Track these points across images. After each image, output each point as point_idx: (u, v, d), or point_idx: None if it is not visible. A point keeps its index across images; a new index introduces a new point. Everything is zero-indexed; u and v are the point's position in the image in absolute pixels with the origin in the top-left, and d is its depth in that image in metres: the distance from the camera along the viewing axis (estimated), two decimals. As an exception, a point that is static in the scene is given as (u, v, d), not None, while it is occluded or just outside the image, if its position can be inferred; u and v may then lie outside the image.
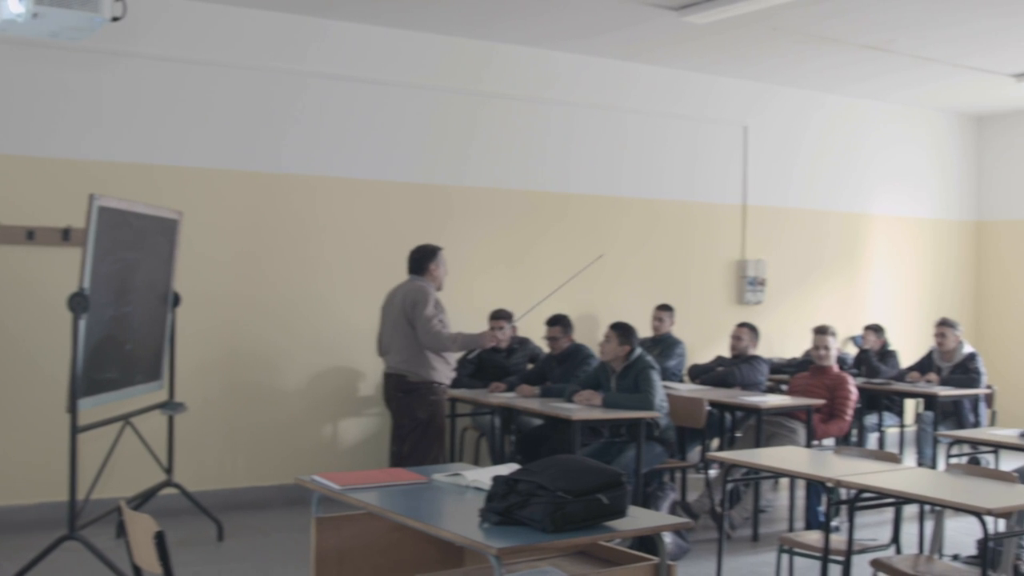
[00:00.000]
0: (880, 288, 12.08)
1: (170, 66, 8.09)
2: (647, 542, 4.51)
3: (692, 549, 7.08)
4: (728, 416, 8.65)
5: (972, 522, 4.64)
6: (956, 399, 9.03)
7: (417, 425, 7.17)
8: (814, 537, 5.63)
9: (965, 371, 9.27)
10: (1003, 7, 8.18)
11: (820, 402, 8.12)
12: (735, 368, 9.11)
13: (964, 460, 7.42)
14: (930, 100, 11.99)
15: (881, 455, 5.95)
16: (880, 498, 5.22)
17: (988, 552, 4.71)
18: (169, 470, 7.49)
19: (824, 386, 8.28)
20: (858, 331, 10.93)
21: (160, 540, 3.44)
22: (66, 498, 6.14)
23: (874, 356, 10.08)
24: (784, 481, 8.29)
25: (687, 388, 8.90)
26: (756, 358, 9.22)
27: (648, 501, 7.41)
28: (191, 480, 7.78)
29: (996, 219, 12.88)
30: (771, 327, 10.84)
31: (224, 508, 7.84)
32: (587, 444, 7.75)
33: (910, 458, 9.33)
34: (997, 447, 7.08)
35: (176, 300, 7.51)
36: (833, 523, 6.85)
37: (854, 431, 9.08)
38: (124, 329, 6.73)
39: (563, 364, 8.41)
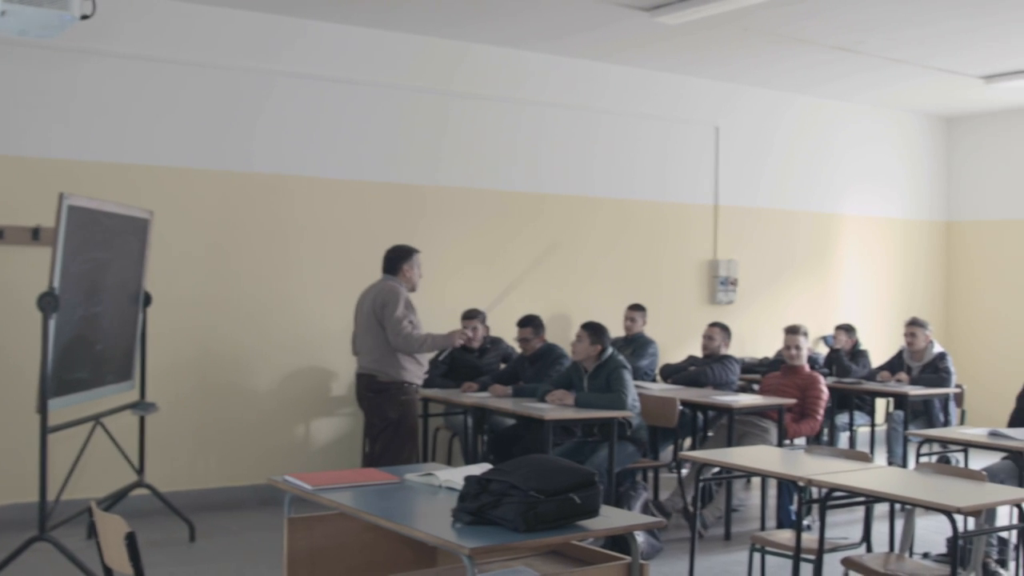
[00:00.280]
0: (851, 288, 12.15)
1: (141, 64, 8.05)
2: (620, 541, 4.52)
3: (664, 548, 7.10)
4: (700, 415, 8.68)
5: (942, 520, 4.67)
6: (926, 398, 9.09)
7: (388, 425, 7.16)
8: (786, 536, 5.66)
9: (935, 371, 9.34)
10: (971, 9, 8.23)
11: (791, 401, 8.15)
12: (707, 368, 9.14)
13: (934, 459, 7.46)
14: (900, 101, 12.07)
15: (852, 454, 5.98)
16: (851, 497, 5.25)
17: (957, 550, 4.74)
18: (140, 471, 7.45)
19: (795, 385, 8.31)
20: (829, 331, 10.98)
21: (131, 541, 3.42)
22: (36, 499, 6.10)
23: (845, 356, 10.13)
24: (756, 480, 8.34)
25: (659, 388, 8.92)
26: (728, 358, 9.25)
27: (620, 500, 7.42)
28: (162, 481, 7.74)
29: (965, 219, 12.98)
30: (743, 327, 10.88)
31: (196, 509, 7.81)
32: (559, 444, 7.76)
33: (881, 457, 9.37)
34: (966, 446, 7.13)
35: (147, 300, 7.47)
36: (805, 522, 6.88)
37: (825, 430, 9.12)
38: (95, 329, 6.69)
39: (535, 364, 8.41)
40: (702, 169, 11.00)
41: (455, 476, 4.50)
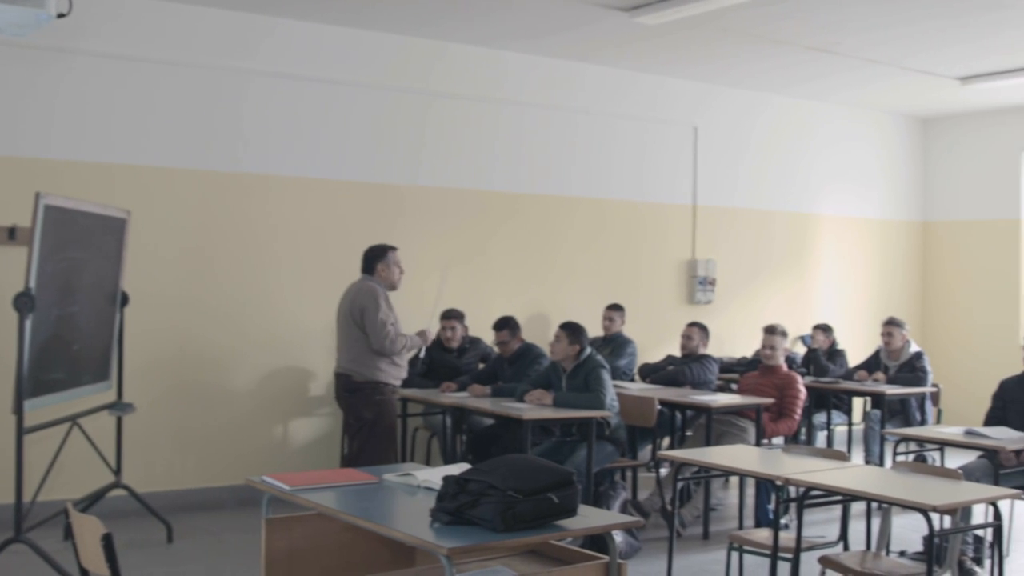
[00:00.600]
0: (828, 288, 12.20)
1: (117, 63, 8.01)
2: (598, 541, 4.53)
3: (643, 547, 7.11)
4: (678, 415, 8.70)
5: (919, 519, 4.70)
6: (903, 397, 9.14)
7: (363, 425, 7.15)
8: (763, 535, 5.68)
9: (911, 370, 9.38)
10: (946, 11, 8.27)
11: (769, 401, 8.18)
12: (685, 367, 9.17)
13: (911, 458, 7.51)
14: (876, 102, 12.13)
15: (829, 453, 6.01)
16: (828, 496, 5.27)
17: (933, 548, 4.77)
18: (117, 471, 7.42)
19: (773, 385, 8.34)
20: (807, 330, 11.02)
21: (107, 542, 3.41)
22: (12, 500, 6.07)
23: (822, 355, 10.17)
24: (734, 479, 8.36)
25: (638, 387, 8.94)
26: (706, 357, 9.28)
27: (599, 500, 7.43)
28: (140, 481, 7.71)
29: (941, 219, 13.05)
30: (721, 326, 10.91)
31: (173, 509, 7.77)
32: (538, 443, 7.77)
33: (858, 456, 9.41)
34: (943, 445, 7.17)
35: (124, 300, 7.44)
36: (782, 521, 6.89)
37: (803, 429, 9.15)
38: (71, 329, 6.66)
39: (514, 364, 8.42)
40: (680, 169, 11.02)
41: (433, 476, 4.50)
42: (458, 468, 4.27)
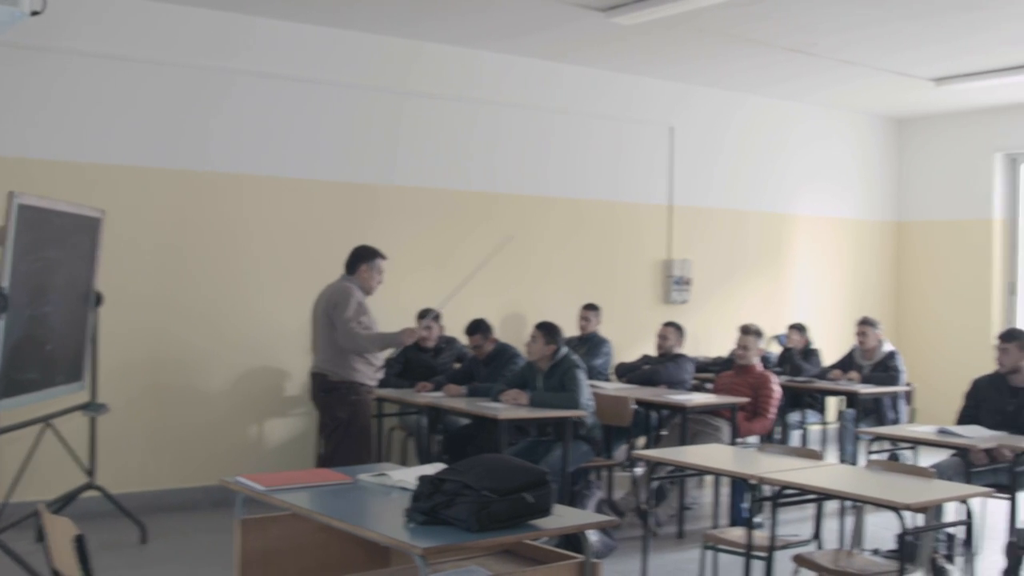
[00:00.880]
0: (803, 287, 12.25)
1: (92, 62, 7.97)
2: (573, 540, 4.54)
3: (618, 547, 7.13)
4: (654, 414, 8.72)
5: (892, 517, 4.73)
6: (877, 397, 9.18)
7: (338, 425, 7.14)
8: (737, 533, 5.70)
9: (885, 369, 9.43)
10: (921, 13, 8.32)
11: (744, 400, 8.21)
12: (661, 367, 9.19)
13: (884, 456, 7.54)
14: (851, 102, 12.18)
15: (803, 452, 6.04)
16: (802, 494, 5.30)
17: (906, 546, 4.80)
18: (91, 472, 7.38)
19: (748, 384, 8.37)
20: (782, 330, 11.06)
21: (80, 544, 3.39)
22: (-16, 501, 6.04)
23: (797, 355, 10.21)
24: (709, 478, 8.38)
25: (613, 387, 8.96)
26: (682, 357, 9.31)
27: (574, 499, 7.44)
28: (113, 482, 7.67)
29: (915, 220, 13.12)
30: (696, 326, 10.94)
31: (147, 510, 7.74)
32: (514, 443, 7.77)
33: (832, 455, 9.45)
34: (916, 443, 7.21)
35: (98, 300, 7.39)
36: (756, 519, 6.92)
37: (777, 429, 9.19)
38: (44, 329, 6.62)
39: (489, 365, 8.42)
40: (656, 169, 11.05)
41: (408, 476, 4.50)
42: (433, 468, 4.28)
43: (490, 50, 9.71)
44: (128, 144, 8.14)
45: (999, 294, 12.37)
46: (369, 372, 7.21)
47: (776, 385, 8.42)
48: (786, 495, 5.28)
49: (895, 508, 4.67)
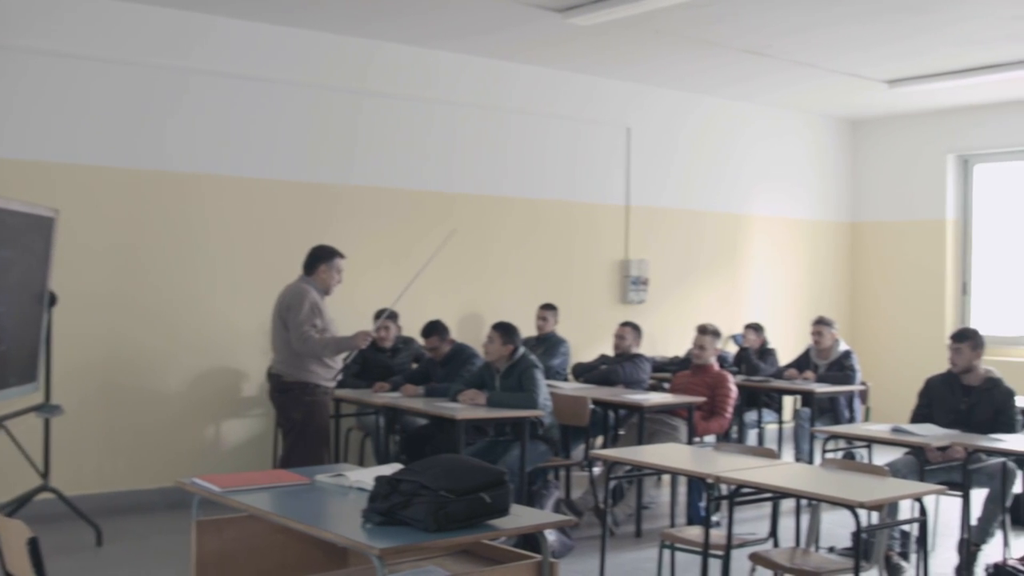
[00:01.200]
0: (759, 287, 12.33)
1: (47, 60, 7.88)
2: (531, 540, 4.54)
3: (576, 546, 7.14)
4: (611, 414, 8.75)
5: (847, 515, 4.77)
6: (832, 396, 9.26)
7: (293, 426, 7.12)
8: (695, 532, 5.73)
9: (840, 368, 9.51)
10: (874, 16, 8.40)
11: (701, 400, 8.25)
12: (618, 367, 9.21)
13: (839, 455, 7.60)
14: (806, 104, 12.28)
15: (760, 451, 6.07)
16: (758, 493, 5.33)
17: (861, 544, 4.84)
18: (45, 474, 7.31)
19: (705, 384, 8.41)
20: (738, 329, 11.12)
21: (34, 546, 3.36)
22: (-64, 505, 5.97)
23: (754, 354, 10.27)
24: (666, 478, 8.42)
25: (571, 387, 8.98)
26: (639, 357, 9.34)
27: (532, 499, 7.45)
28: (68, 484, 7.60)
29: (869, 220, 13.24)
30: (654, 326, 10.99)
31: (103, 513, 7.67)
32: (472, 443, 7.77)
33: (788, 454, 9.52)
34: (870, 442, 7.27)
35: (52, 300, 7.31)
36: (714, 518, 6.97)
37: (734, 428, 9.24)
38: (-3, 330, 6.55)
39: (446, 366, 8.41)
40: (613, 169, 11.08)
41: (365, 477, 4.49)
42: (390, 468, 4.27)
43: (447, 50, 9.70)
44: (83, 143, 8.06)
45: (952, 294, 12.51)
46: (325, 373, 7.16)
47: (733, 385, 8.47)
48: (742, 494, 5.31)
49: (850, 506, 4.71)
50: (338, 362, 7.29)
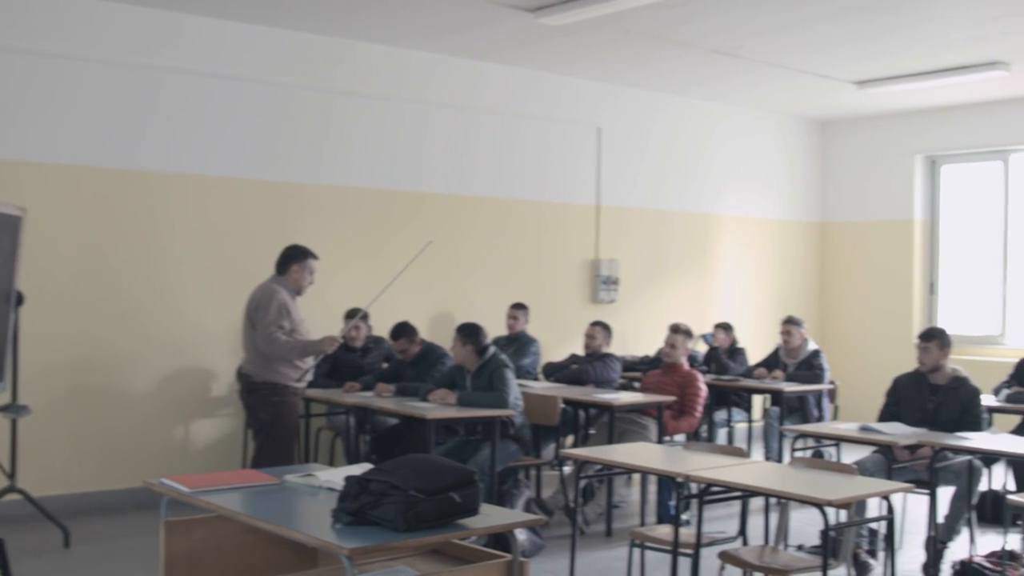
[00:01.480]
0: (729, 287, 12.38)
1: (15, 58, 7.82)
2: (501, 539, 4.55)
3: (546, 545, 7.15)
4: (582, 413, 8.77)
5: (816, 513, 4.79)
6: (801, 395, 9.32)
7: (261, 426, 7.10)
8: (664, 531, 5.75)
9: (809, 367, 9.56)
10: (843, 17, 8.44)
11: (671, 399, 8.27)
12: (589, 366, 9.23)
13: (808, 453, 7.65)
14: (775, 104, 12.33)
15: (729, 450, 6.10)
16: (728, 492, 5.35)
17: (829, 542, 4.87)
18: (12, 475, 7.25)
19: (675, 383, 8.43)
20: (708, 329, 11.15)
21: (1, 548, 3.35)
22: (-99, 506, 5.92)
23: (723, 354, 10.31)
24: (636, 477, 8.44)
25: (541, 386, 8.98)
26: (609, 356, 9.35)
27: (503, 499, 7.46)
28: (36, 485, 7.55)
29: (838, 220, 13.32)
30: (624, 325, 11.01)
31: (71, 513, 7.63)
32: (442, 443, 7.77)
33: (758, 452, 9.57)
34: (839, 441, 7.32)
35: (19, 300, 7.25)
36: (683, 517, 7.00)
37: (704, 427, 9.28)
38: (-37, 330, 6.50)
39: (417, 366, 8.40)
40: (584, 169, 11.10)
41: (335, 476, 4.49)
42: (360, 468, 4.27)
43: (418, 49, 9.68)
44: (51, 141, 8.00)
45: (920, 293, 12.60)
46: (293, 374, 7.13)
47: (702, 384, 8.50)
48: (712, 493, 5.34)
49: (818, 504, 4.74)
50: (308, 363, 7.27)
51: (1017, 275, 11.97)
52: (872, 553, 6.70)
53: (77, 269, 8.13)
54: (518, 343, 9.67)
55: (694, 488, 5.64)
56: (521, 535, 4.09)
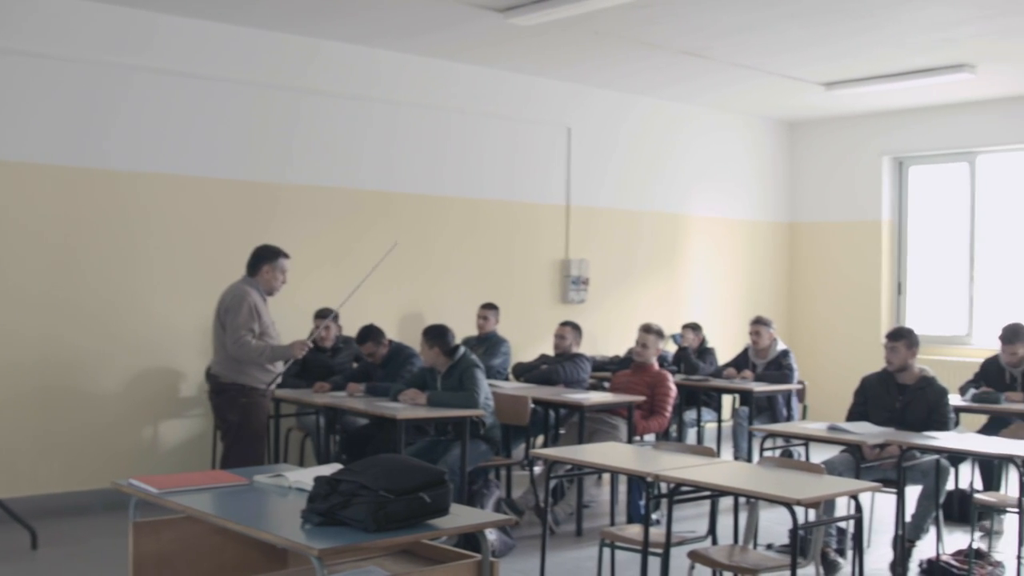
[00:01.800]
0: (698, 287, 12.42)
1: (-21, 57, 7.78)
2: (472, 539, 4.55)
3: (517, 545, 7.15)
4: (552, 413, 8.77)
5: (785, 512, 4.81)
6: (770, 395, 9.36)
7: (229, 427, 7.07)
8: (634, 531, 5.76)
9: (778, 367, 9.60)
10: (812, 19, 8.49)
11: (641, 399, 8.29)
12: (559, 366, 9.24)
13: (777, 453, 7.68)
14: (744, 105, 12.38)
15: (699, 450, 6.12)
16: (697, 491, 5.37)
17: (797, 541, 4.89)
18: (-22, 477, 7.21)
19: (645, 383, 8.45)
20: (677, 329, 11.17)
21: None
22: None
23: (693, 354, 10.34)
24: (606, 476, 8.46)
25: (512, 386, 8.98)
26: (579, 356, 9.37)
27: (473, 499, 7.45)
28: (2, 486, 7.51)
29: (806, 221, 13.39)
30: (594, 325, 11.03)
31: (38, 515, 7.56)
32: (412, 443, 7.76)
33: (727, 452, 9.60)
34: (808, 440, 7.35)
35: (-15, 300, 7.22)
36: (653, 516, 7.01)
37: (674, 427, 9.30)
38: (-72, 330, 6.45)
39: (386, 367, 8.38)
40: (553, 169, 11.11)
41: (305, 477, 4.48)
42: (330, 468, 4.26)
43: (387, 49, 9.67)
44: (17, 139, 7.93)
45: (887, 293, 12.68)
46: (262, 376, 7.09)
47: (672, 384, 8.53)
48: (682, 492, 5.35)
49: (787, 504, 4.76)
50: (278, 367, 7.23)
51: (983, 276, 12.06)
52: (841, 552, 6.74)
53: (45, 268, 8.06)
54: (488, 343, 9.67)
55: (664, 488, 5.65)
56: (491, 535, 4.10)
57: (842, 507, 6.15)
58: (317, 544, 3.56)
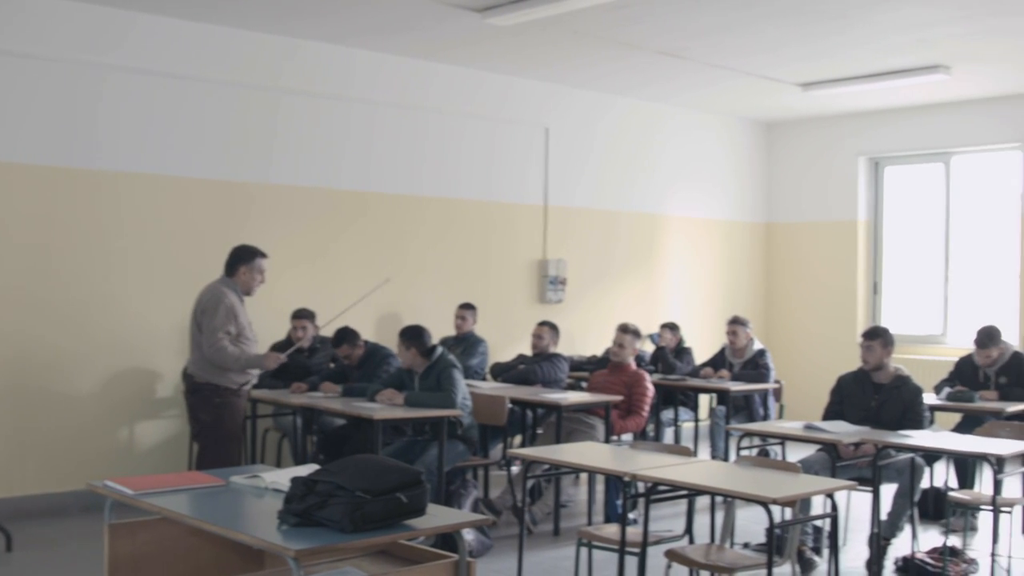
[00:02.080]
0: (675, 287, 12.44)
1: (-48, 56, 7.73)
2: (449, 540, 4.55)
3: (494, 545, 7.16)
4: (529, 413, 8.77)
5: (761, 511, 4.83)
6: (747, 394, 9.39)
7: (203, 428, 7.04)
8: (612, 530, 5.77)
9: (755, 367, 9.63)
10: (789, 19, 8.52)
11: (618, 399, 8.30)
12: (536, 366, 9.24)
13: (754, 452, 7.70)
14: (721, 106, 12.41)
15: (676, 449, 6.13)
16: (674, 490, 5.38)
17: (774, 539, 4.91)
18: (-48, 478, 7.17)
19: (622, 383, 8.47)
20: (655, 329, 11.19)
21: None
22: None
23: (670, 353, 10.36)
24: (584, 476, 8.46)
25: (489, 386, 8.99)
26: (557, 356, 9.37)
27: (451, 499, 7.45)
28: (-24, 488, 7.47)
29: (783, 221, 13.44)
30: (572, 325, 11.04)
31: (12, 517, 7.52)
32: (390, 443, 7.75)
33: (704, 451, 9.63)
34: (784, 439, 7.38)
35: (-41, 301, 7.18)
36: (631, 516, 7.03)
37: (651, 426, 9.32)
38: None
39: (362, 368, 8.37)
40: (531, 169, 11.12)
41: (281, 477, 4.47)
42: (306, 469, 4.25)
43: (365, 48, 9.65)
44: (-8, 140, 7.91)
45: (863, 293, 12.74)
46: (237, 377, 7.06)
47: (649, 383, 8.54)
48: (659, 491, 5.36)
49: (764, 502, 4.78)
50: (252, 372, 7.20)
51: (958, 275, 12.13)
52: (817, 550, 6.76)
53: (20, 268, 8.01)
54: (466, 343, 9.67)
55: (641, 487, 5.66)
56: (469, 535, 4.10)
57: (818, 506, 6.17)
58: (293, 545, 3.55)
